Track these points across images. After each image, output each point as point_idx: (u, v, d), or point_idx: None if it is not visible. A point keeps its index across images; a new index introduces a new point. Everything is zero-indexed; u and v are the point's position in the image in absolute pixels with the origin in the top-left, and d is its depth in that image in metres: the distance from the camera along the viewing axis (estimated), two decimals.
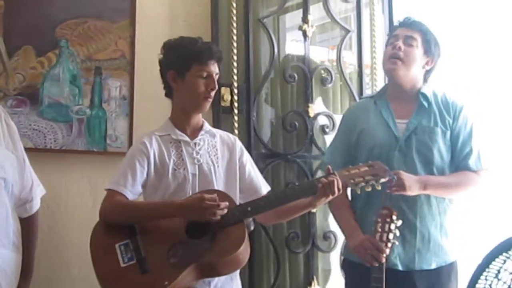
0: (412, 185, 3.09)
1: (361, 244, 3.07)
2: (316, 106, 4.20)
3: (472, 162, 3.28)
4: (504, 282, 2.21)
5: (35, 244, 3.14)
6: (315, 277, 4.11)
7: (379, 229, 2.96)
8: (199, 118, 3.12)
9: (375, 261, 2.97)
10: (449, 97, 3.37)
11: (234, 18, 3.97)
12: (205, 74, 2.99)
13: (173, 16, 4.02)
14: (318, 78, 4.25)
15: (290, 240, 4.06)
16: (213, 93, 3.03)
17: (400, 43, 3.31)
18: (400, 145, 3.25)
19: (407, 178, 3.08)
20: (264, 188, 3.18)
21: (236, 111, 3.94)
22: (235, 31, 3.96)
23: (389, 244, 2.95)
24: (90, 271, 2.81)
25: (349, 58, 4.48)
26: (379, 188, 2.96)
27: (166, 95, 3.12)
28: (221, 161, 3.09)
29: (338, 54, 4.29)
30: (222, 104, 3.95)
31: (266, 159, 4.04)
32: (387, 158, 3.21)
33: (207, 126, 3.14)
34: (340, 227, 3.48)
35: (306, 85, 4.16)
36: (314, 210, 3.95)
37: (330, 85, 4.25)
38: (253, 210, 2.94)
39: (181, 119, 3.08)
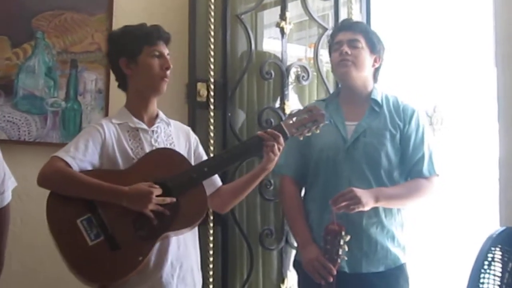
0: (368, 200, 3.09)
1: (310, 263, 3.11)
2: (292, 104, 4.20)
3: (425, 168, 3.30)
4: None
5: (6, 236, 3.11)
6: (288, 274, 4.12)
7: (328, 245, 2.98)
8: (155, 106, 3.09)
9: (323, 280, 3.02)
10: (401, 101, 3.40)
11: (212, 13, 3.96)
12: (157, 53, 2.98)
13: (150, 10, 4.01)
14: (294, 76, 4.25)
15: (264, 237, 4.05)
16: (168, 72, 3.00)
17: (345, 48, 3.32)
18: (348, 147, 3.27)
19: (362, 194, 3.08)
20: (219, 180, 3.16)
21: (212, 106, 3.93)
22: (212, 26, 3.95)
23: (339, 260, 2.98)
24: (63, 264, 2.74)
25: (326, 56, 4.48)
26: (318, 131, 3.02)
27: (120, 86, 3.09)
28: (177, 149, 3.05)
29: (315, 52, 4.29)
30: (198, 99, 3.94)
31: None
32: (334, 160, 3.26)
33: (162, 114, 3.11)
34: (294, 236, 3.54)
35: (282, 82, 4.16)
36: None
37: (306, 83, 4.25)
38: (210, 170, 2.94)
39: (138, 106, 3.04)
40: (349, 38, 3.35)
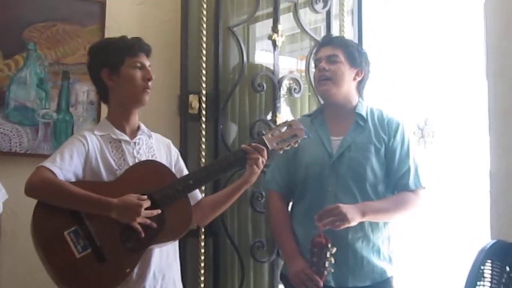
0: (354, 216, 3.09)
1: (296, 275, 3.11)
2: (284, 116, 4.20)
3: (411, 181, 3.32)
4: None
5: None
6: (279, 287, 4.10)
7: (315, 258, 2.98)
8: (136, 118, 3.09)
9: None
10: (386, 115, 3.41)
11: (204, 25, 3.96)
12: (138, 65, 2.99)
13: (142, 22, 4.01)
14: (286, 88, 4.26)
15: (255, 249, 4.05)
16: (150, 84, 3.00)
17: (323, 64, 3.35)
18: (333, 162, 3.28)
19: (348, 209, 3.08)
20: (199, 193, 3.17)
21: (204, 119, 3.93)
22: (204, 38, 3.95)
23: (325, 272, 2.98)
24: None
25: None
26: (297, 146, 3.08)
27: (101, 98, 3.09)
28: (159, 160, 3.06)
29: (307, 64, 4.30)
30: (190, 111, 3.94)
31: None
32: (320, 175, 3.28)
33: (143, 127, 3.12)
34: (280, 249, 3.56)
35: (274, 95, 4.16)
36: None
37: (298, 95, 4.26)
38: (195, 182, 2.96)
39: (120, 118, 3.04)
40: (327, 54, 3.38)
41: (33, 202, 2.80)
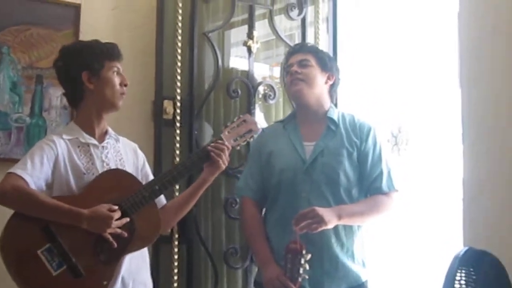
0: (331, 218, 3.11)
1: (270, 282, 3.12)
2: (258, 122, 4.20)
3: (384, 184, 3.34)
4: None
5: None
6: None
7: (289, 264, 2.98)
8: (105, 122, 3.09)
9: None
10: (357, 120, 3.44)
11: (179, 31, 3.95)
12: (116, 69, 3.01)
13: (117, 26, 4.00)
14: (261, 94, 4.26)
15: (229, 255, 4.04)
16: (126, 89, 3.04)
17: (295, 68, 3.39)
18: (307, 168, 3.29)
19: (325, 212, 3.10)
20: (163, 199, 3.16)
21: (178, 124, 3.92)
22: (179, 44, 3.95)
23: (300, 279, 2.97)
24: None
25: None
26: (252, 140, 3.19)
27: (71, 100, 3.09)
28: (127, 164, 3.08)
29: (282, 71, 4.30)
30: (165, 117, 3.94)
31: None
32: (293, 181, 3.30)
33: (111, 131, 3.12)
34: (255, 256, 3.57)
35: (249, 101, 4.17)
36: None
37: (273, 102, 4.27)
38: (161, 187, 2.98)
39: (90, 122, 3.03)
40: (298, 59, 3.42)
41: (2, 207, 2.78)
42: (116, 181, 2.96)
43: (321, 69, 3.41)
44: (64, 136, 2.98)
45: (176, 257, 3.83)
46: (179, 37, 3.95)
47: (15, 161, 3.50)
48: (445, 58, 3.93)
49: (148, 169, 3.22)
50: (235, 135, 3.10)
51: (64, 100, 3.69)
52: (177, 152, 3.88)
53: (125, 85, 3.03)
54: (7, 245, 2.77)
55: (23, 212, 2.79)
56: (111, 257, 2.82)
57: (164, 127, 3.94)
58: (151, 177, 3.18)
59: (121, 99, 3.03)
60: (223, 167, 3.06)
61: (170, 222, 3.25)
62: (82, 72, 2.98)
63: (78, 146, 2.98)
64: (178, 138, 3.91)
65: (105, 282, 2.80)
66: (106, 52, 3.01)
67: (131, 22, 4.05)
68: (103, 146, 3.03)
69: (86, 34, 3.82)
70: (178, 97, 3.94)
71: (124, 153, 3.11)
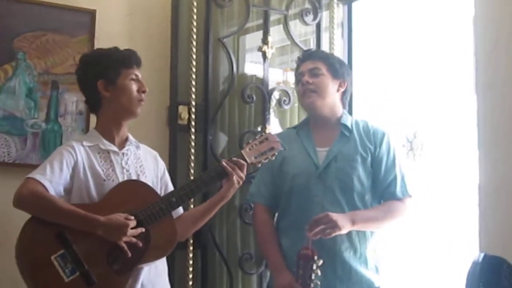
0: (345, 224, 3.11)
1: None
2: (273, 127, 4.20)
3: (398, 190, 3.33)
4: None
5: None
6: None
7: (301, 270, 2.97)
8: (126, 129, 3.11)
9: None
10: (371, 125, 3.43)
11: (194, 36, 3.96)
12: (134, 77, 3.03)
13: (132, 32, 4.00)
14: (276, 100, 4.26)
15: (243, 261, 4.04)
16: (144, 96, 3.06)
17: (306, 78, 3.37)
18: (320, 173, 3.28)
19: (338, 217, 3.09)
20: (180, 208, 3.17)
21: (193, 130, 3.92)
22: (194, 49, 3.95)
23: (312, 285, 2.96)
24: None
25: None
26: (274, 158, 3.14)
27: (91, 108, 3.12)
28: (147, 171, 3.10)
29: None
30: (180, 122, 3.94)
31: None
32: (306, 186, 3.29)
33: (131, 138, 3.14)
34: (267, 262, 3.57)
35: (264, 106, 4.17)
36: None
37: (287, 107, 4.26)
38: (178, 200, 2.98)
39: (110, 129, 3.06)
40: (309, 67, 3.40)
41: (22, 213, 2.79)
42: (134, 191, 2.97)
43: (332, 77, 3.39)
44: (84, 143, 3.01)
45: (191, 262, 3.83)
46: (194, 43, 3.96)
47: (30, 166, 3.52)
48: (461, 63, 3.92)
49: (168, 178, 3.23)
50: (256, 152, 3.10)
51: (80, 105, 3.75)
52: (192, 157, 3.88)
53: (143, 92, 3.05)
54: (22, 249, 2.79)
55: (40, 217, 2.80)
56: (125, 267, 2.83)
57: (179, 133, 3.94)
58: (170, 185, 3.21)
59: (139, 106, 3.04)
60: (237, 185, 3.05)
61: (188, 232, 3.28)
62: (98, 81, 3.00)
63: (99, 153, 3.00)
64: (193, 143, 3.91)
65: None
66: (123, 60, 3.03)
67: (146, 28, 4.06)
68: (123, 153, 3.05)
69: (101, 40, 3.83)
70: (193, 103, 3.94)
71: (145, 160, 3.13)
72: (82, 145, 2.99)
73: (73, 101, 3.79)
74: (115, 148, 3.03)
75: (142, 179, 3.05)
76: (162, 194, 3.12)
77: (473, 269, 2.43)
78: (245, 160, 3.06)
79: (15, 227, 2.81)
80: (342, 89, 3.44)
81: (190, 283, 3.82)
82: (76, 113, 3.80)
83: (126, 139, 3.11)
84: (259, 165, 3.14)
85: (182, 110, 3.94)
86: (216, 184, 3.20)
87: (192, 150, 3.89)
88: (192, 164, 3.87)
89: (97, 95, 3.03)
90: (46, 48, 3.77)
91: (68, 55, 3.81)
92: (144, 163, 3.11)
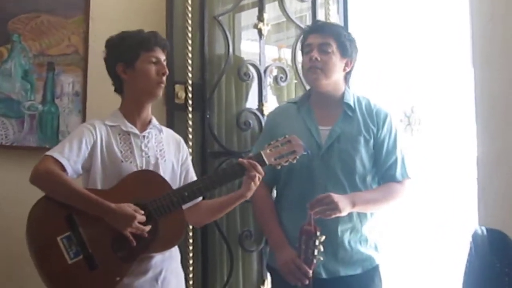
0: (345, 206, 3.10)
1: (285, 265, 3.09)
2: (270, 105, 4.20)
3: (398, 172, 3.33)
4: None
5: None
6: (268, 276, 4.11)
7: (303, 246, 2.97)
8: (148, 111, 3.14)
9: (299, 282, 3.01)
10: (373, 105, 3.40)
11: (189, 15, 3.94)
12: (154, 60, 3.04)
13: (127, 12, 3.98)
14: (273, 77, 4.25)
15: (243, 238, 4.05)
16: (164, 78, 3.07)
17: (315, 54, 3.29)
18: (322, 153, 3.27)
19: (340, 199, 3.08)
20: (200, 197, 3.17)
21: (190, 108, 3.92)
22: (190, 28, 3.94)
23: (315, 261, 2.96)
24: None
25: None
26: (295, 162, 3.05)
27: (116, 90, 3.14)
28: (167, 156, 3.10)
29: (293, 53, 4.29)
30: (176, 101, 3.93)
31: (220, 157, 4.04)
32: (309, 166, 3.26)
33: (155, 121, 3.16)
34: (267, 238, 3.55)
35: (260, 84, 4.16)
36: None
37: (284, 84, 4.26)
38: (190, 195, 2.97)
39: (132, 111, 3.09)
40: (319, 42, 3.31)
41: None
42: (147, 181, 2.98)
43: (341, 55, 3.31)
44: (107, 122, 3.05)
45: (191, 241, 3.83)
46: (189, 21, 3.94)
47: (28, 148, 3.53)
48: (458, 37, 3.91)
49: (190, 165, 3.24)
50: (276, 154, 3.05)
51: (76, 86, 3.74)
52: (190, 136, 3.88)
53: (164, 74, 3.05)
54: (31, 227, 2.81)
55: (53, 196, 2.84)
56: (129, 256, 2.85)
57: (176, 112, 3.94)
58: (191, 173, 3.22)
59: (158, 88, 3.06)
60: (253, 187, 3.01)
61: (204, 221, 3.37)
62: (117, 64, 3.04)
63: (119, 134, 3.04)
64: (190, 122, 3.91)
65: (117, 278, 2.82)
66: (142, 42, 3.04)
67: (141, 7, 4.04)
68: (144, 136, 3.07)
69: (96, 20, 3.82)
70: (190, 82, 3.93)
71: (166, 144, 3.14)
72: (104, 124, 3.03)
73: (69, 82, 3.78)
74: (136, 131, 3.06)
75: (161, 163, 3.06)
76: (182, 180, 3.14)
77: (480, 242, 2.42)
78: (263, 161, 3.02)
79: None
80: (347, 69, 3.38)
81: (191, 261, 3.83)
82: (73, 94, 3.79)
83: (150, 122, 3.13)
84: (279, 167, 3.07)
85: (179, 89, 3.94)
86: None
87: (190, 129, 3.89)
88: (190, 143, 3.86)
89: (118, 78, 3.07)
90: (41, 29, 3.75)
91: (63, 36, 3.79)
92: (165, 147, 3.12)
